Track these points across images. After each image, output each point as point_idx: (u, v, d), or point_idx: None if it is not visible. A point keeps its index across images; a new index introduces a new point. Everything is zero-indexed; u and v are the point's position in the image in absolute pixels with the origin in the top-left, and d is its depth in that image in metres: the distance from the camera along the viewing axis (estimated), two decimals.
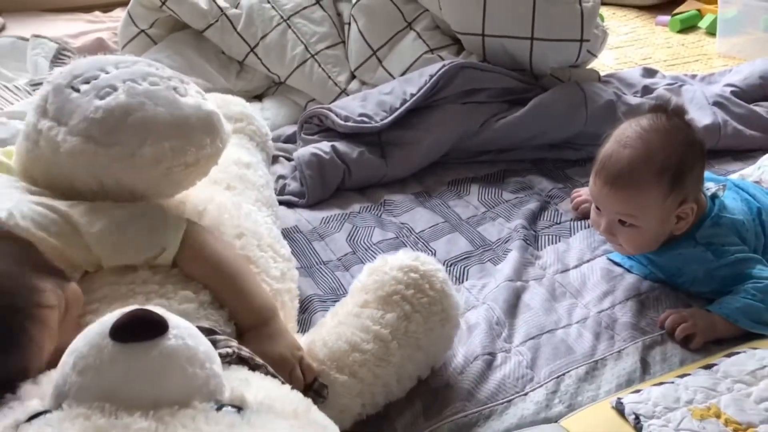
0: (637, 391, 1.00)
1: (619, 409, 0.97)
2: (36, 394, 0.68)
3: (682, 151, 1.15)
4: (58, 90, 0.96)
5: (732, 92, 1.87)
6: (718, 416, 0.95)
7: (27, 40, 2.13)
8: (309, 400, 0.79)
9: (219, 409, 0.67)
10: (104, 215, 0.91)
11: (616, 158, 1.16)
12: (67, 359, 0.66)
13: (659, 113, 1.19)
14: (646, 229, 1.17)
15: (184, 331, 0.68)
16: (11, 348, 0.73)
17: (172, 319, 0.68)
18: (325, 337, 0.97)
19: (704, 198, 1.22)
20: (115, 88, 0.93)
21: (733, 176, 1.47)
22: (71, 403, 0.63)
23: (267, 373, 0.82)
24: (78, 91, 0.95)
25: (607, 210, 1.19)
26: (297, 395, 0.79)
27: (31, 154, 0.97)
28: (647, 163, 1.14)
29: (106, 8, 2.56)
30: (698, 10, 2.78)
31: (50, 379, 0.69)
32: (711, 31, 2.63)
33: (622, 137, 1.17)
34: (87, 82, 0.95)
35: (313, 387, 0.91)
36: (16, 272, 0.77)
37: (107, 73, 0.96)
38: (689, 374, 1.03)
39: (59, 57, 2.08)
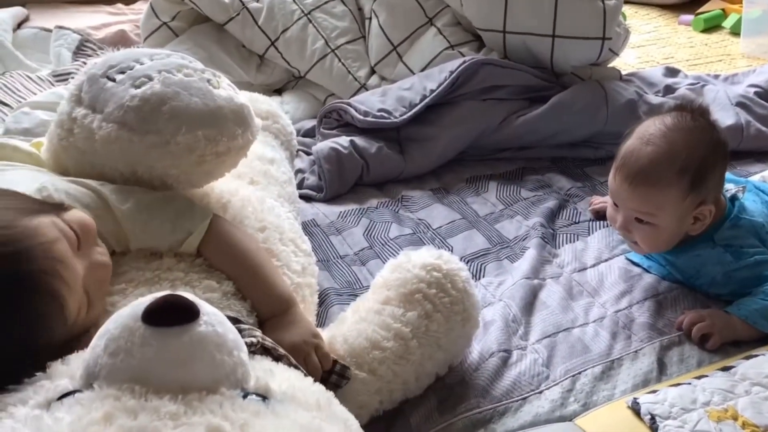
0: (654, 391, 0.99)
1: (635, 408, 0.96)
2: (66, 373, 0.69)
3: (704, 152, 1.14)
4: (93, 79, 0.98)
5: (755, 93, 1.85)
6: (735, 418, 0.94)
7: (50, 31, 2.16)
8: (331, 393, 0.79)
9: (245, 397, 0.67)
10: (133, 196, 0.93)
11: (637, 155, 1.15)
12: (98, 341, 0.67)
13: (684, 112, 1.18)
14: (663, 228, 1.16)
15: (214, 318, 0.69)
16: (40, 298, 0.75)
17: (203, 305, 0.69)
18: (345, 333, 0.97)
19: (724, 199, 1.21)
20: (150, 78, 0.96)
21: (755, 178, 1.45)
22: (102, 384, 0.64)
23: (290, 364, 0.82)
24: (113, 80, 0.97)
25: (624, 206, 1.18)
26: (319, 387, 0.79)
27: (63, 142, 0.99)
28: (669, 161, 1.13)
29: (129, 1, 2.58)
30: (722, 10, 2.75)
31: (80, 360, 0.70)
32: (735, 31, 2.60)
33: (645, 134, 1.16)
34: (122, 72, 0.97)
35: (335, 370, 0.92)
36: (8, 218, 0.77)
37: (142, 64, 0.98)
38: (707, 376, 1.02)
39: (82, 48, 2.10)
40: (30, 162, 1.03)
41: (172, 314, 0.66)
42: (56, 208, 0.84)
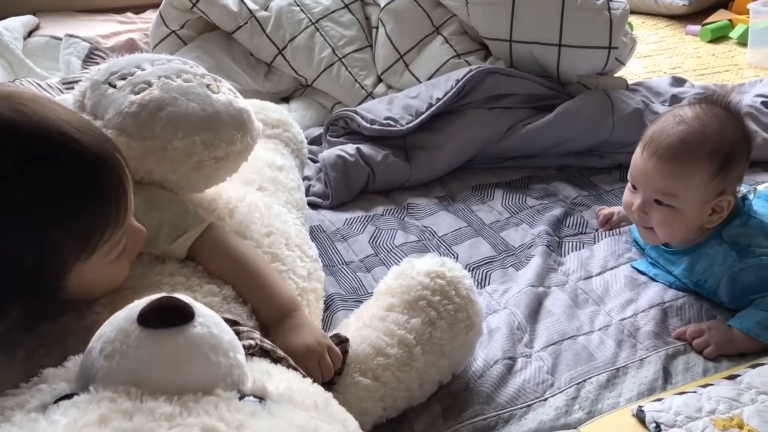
0: (659, 399, 0.99)
1: (640, 417, 0.96)
2: (63, 377, 0.69)
3: (735, 139, 1.14)
4: (95, 86, 0.99)
5: (762, 103, 1.85)
6: (740, 427, 0.93)
7: (60, 39, 2.17)
8: (329, 394, 0.79)
9: (241, 398, 0.67)
10: (142, 191, 0.94)
11: (668, 132, 1.15)
12: (94, 344, 0.67)
13: (716, 104, 1.18)
14: (682, 212, 1.15)
15: (209, 319, 0.69)
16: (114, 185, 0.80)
17: (199, 307, 0.69)
18: (349, 339, 0.97)
19: (736, 198, 1.20)
20: (149, 84, 0.97)
21: (760, 187, 1.45)
22: (98, 386, 0.64)
23: (288, 366, 0.82)
24: (114, 86, 0.98)
25: (647, 186, 1.17)
26: (317, 388, 0.79)
27: None
28: (701, 141, 1.12)
29: (138, 9, 2.60)
30: (729, 20, 2.75)
31: (77, 364, 0.71)
32: (742, 42, 2.60)
33: (678, 114, 1.17)
34: (123, 78, 0.99)
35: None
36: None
37: (143, 70, 0.99)
38: (712, 384, 1.02)
39: (91, 56, 2.12)
40: None
41: (167, 316, 0.66)
42: None
